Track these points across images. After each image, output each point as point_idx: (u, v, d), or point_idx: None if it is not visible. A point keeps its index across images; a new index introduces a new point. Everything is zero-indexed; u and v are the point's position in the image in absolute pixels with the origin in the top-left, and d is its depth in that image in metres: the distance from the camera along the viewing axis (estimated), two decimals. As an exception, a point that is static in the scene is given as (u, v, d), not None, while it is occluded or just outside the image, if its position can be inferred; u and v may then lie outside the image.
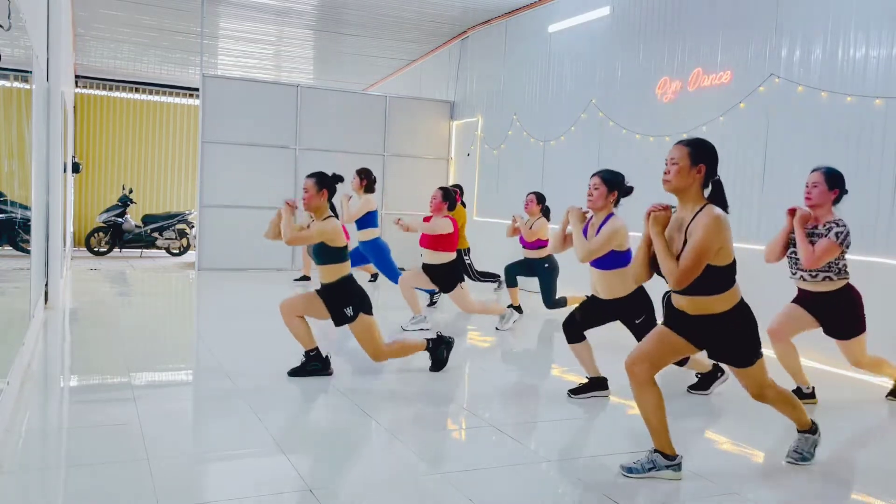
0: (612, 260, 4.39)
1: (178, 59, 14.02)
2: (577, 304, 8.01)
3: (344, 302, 4.80)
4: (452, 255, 6.64)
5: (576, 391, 4.65)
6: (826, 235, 4.26)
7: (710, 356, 3.40)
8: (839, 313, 4.41)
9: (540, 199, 7.59)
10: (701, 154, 3.16)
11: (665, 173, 3.20)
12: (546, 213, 7.60)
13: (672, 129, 7.52)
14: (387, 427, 3.92)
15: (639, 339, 4.60)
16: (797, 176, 6.27)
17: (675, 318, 3.31)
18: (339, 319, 4.84)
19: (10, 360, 3.98)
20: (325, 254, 4.82)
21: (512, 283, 7.82)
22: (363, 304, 4.85)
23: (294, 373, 4.88)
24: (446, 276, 6.60)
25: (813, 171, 4.45)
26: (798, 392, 4.65)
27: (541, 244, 7.49)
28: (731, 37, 6.96)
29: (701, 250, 3.03)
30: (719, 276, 3.13)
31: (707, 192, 3.21)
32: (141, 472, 3.10)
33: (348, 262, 4.90)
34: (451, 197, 6.75)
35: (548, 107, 9.71)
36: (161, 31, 12.01)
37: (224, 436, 3.68)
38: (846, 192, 4.42)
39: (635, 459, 3.39)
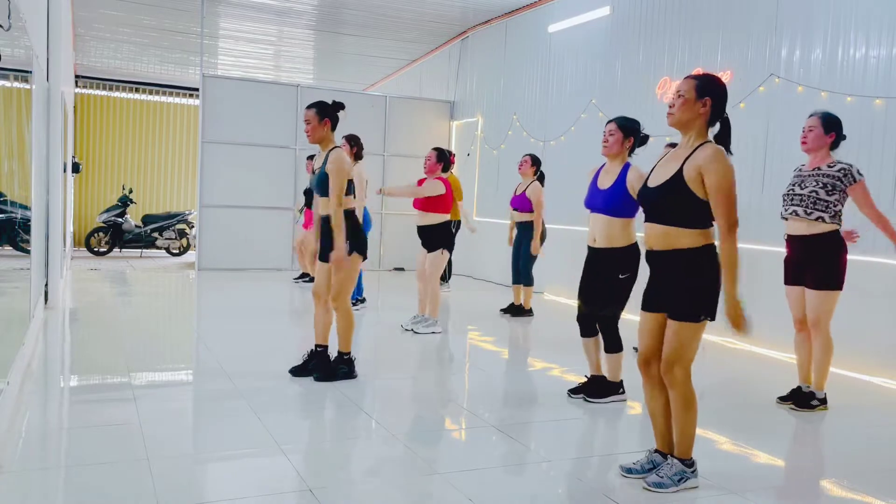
0: (623, 207, 4.32)
1: (178, 59, 14.02)
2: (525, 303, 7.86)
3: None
4: (446, 217, 6.50)
5: (586, 392, 4.61)
6: (843, 179, 4.30)
7: (647, 306, 3.24)
8: (822, 258, 4.39)
9: (535, 161, 7.51)
10: (708, 88, 3.11)
11: (670, 106, 3.16)
12: (541, 178, 7.50)
13: (672, 129, 7.50)
14: (387, 427, 3.92)
15: (609, 299, 4.50)
16: (797, 176, 6.28)
17: (648, 291, 3.26)
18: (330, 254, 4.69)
19: (10, 360, 3.98)
20: (328, 185, 4.66)
21: (516, 281, 7.75)
22: (359, 244, 4.72)
23: (319, 377, 4.75)
24: (435, 235, 6.47)
25: (810, 115, 4.47)
26: (797, 391, 4.64)
27: (531, 207, 7.40)
28: (731, 37, 6.96)
29: (728, 187, 2.99)
30: (701, 210, 3.06)
31: (713, 132, 3.15)
32: (141, 472, 3.10)
33: (352, 198, 4.75)
34: (445, 158, 6.59)
35: (548, 107, 9.71)
36: (161, 31, 12.02)
37: (224, 436, 3.68)
38: (844, 136, 4.43)
39: (634, 460, 3.39)
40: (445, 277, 9.61)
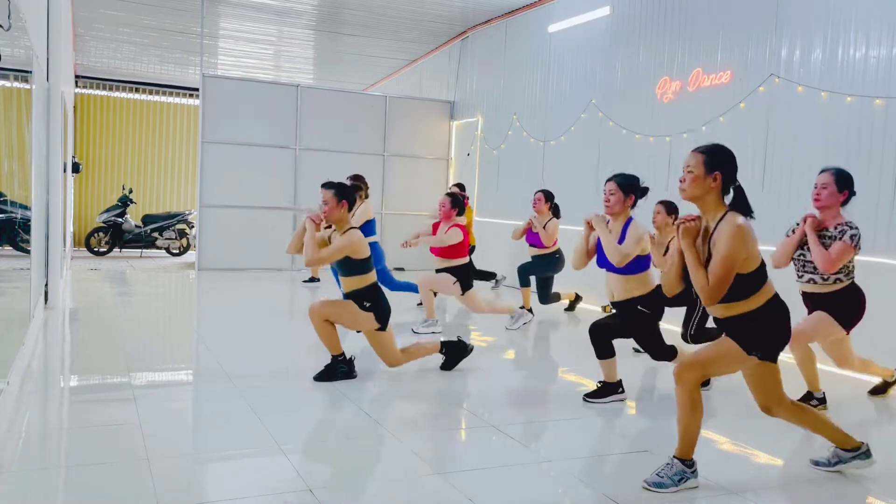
0: (634, 265, 4.39)
1: (178, 59, 14.02)
2: (569, 298, 7.92)
3: (364, 302, 4.73)
4: (465, 260, 6.63)
5: (592, 395, 4.60)
6: (839, 238, 4.23)
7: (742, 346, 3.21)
8: (843, 306, 4.38)
9: (548, 196, 7.39)
10: (717, 161, 3.11)
11: (681, 181, 3.16)
12: (556, 211, 7.41)
13: (672, 129, 7.52)
14: (387, 427, 3.92)
15: (640, 342, 4.60)
16: (797, 176, 6.28)
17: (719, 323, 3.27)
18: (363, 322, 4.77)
19: (10, 360, 3.98)
20: (349, 266, 4.72)
21: (525, 283, 7.73)
22: (382, 316, 4.76)
23: (321, 377, 4.76)
24: (458, 280, 6.58)
25: (822, 171, 4.39)
26: (808, 397, 4.64)
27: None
28: (731, 37, 6.96)
29: (729, 262, 2.98)
30: (748, 282, 3.07)
31: (728, 198, 3.14)
32: (141, 472, 3.10)
33: (374, 272, 4.81)
34: (459, 203, 6.73)
35: (548, 107, 9.71)
36: (161, 31, 12.02)
37: (224, 436, 3.68)
38: (854, 193, 4.37)
39: (658, 472, 3.24)
40: (491, 276, 9.55)
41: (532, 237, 7.50)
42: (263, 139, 10.95)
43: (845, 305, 4.39)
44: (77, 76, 15.02)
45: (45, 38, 6.60)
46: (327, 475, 3.26)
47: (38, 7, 5.83)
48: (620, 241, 4.38)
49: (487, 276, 9.52)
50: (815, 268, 4.36)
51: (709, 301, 3.05)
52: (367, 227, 7.63)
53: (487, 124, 11.21)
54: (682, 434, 3.20)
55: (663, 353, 4.61)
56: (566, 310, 8.11)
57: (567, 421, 4.23)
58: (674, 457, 3.23)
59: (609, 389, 4.59)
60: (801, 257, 4.43)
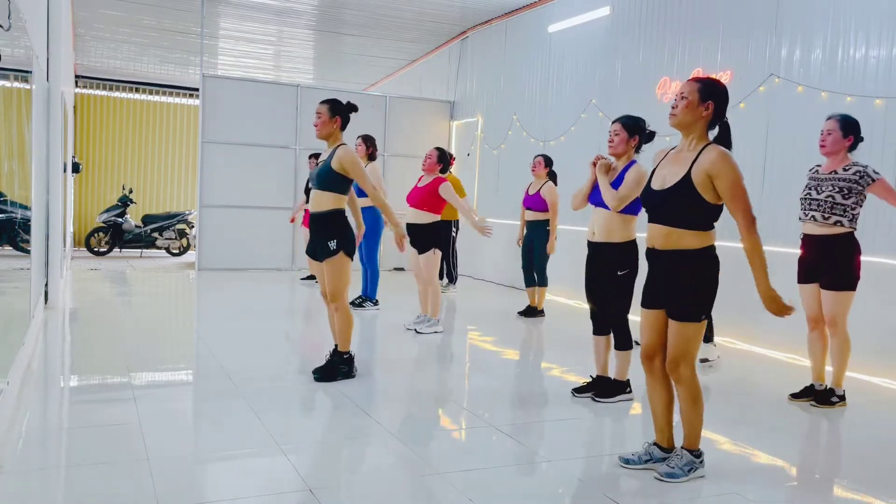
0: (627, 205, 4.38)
1: (178, 59, 14.02)
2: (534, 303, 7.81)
3: (330, 234, 4.67)
4: (436, 217, 6.48)
5: (594, 392, 4.60)
6: (860, 181, 4.34)
7: (647, 303, 3.30)
8: (838, 259, 4.42)
9: (547, 161, 7.47)
10: (711, 91, 3.17)
11: (673, 107, 3.22)
12: (553, 177, 7.48)
13: (672, 129, 7.50)
14: (387, 427, 3.92)
15: (612, 296, 4.51)
16: (797, 176, 6.27)
17: (647, 288, 3.31)
18: (322, 253, 4.70)
19: (10, 360, 3.98)
20: (329, 179, 4.67)
21: (531, 283, 7.70)
22: (347, 244, 4.71)
23: (322, 378, 4.73)
24: (425, 237, 6.45)
25: (828, 118, 4.52)
26: (810, 389, 4.66)
27: (545, 206, 7.38)
28: (731, 37, 6.96)
29: (741, 188, 3.05)
30: (704, 212, 3.11)
31: (713, 133, 3.21)
32: (141, 472, 3.10)
33: (346, 198, 4.77)
34: (446, 160, 6.61)
35: (548, 107, 9.71)
36: (161, 31, 12.01)
37: (224, 436, 3.68)
38: (861, 138, 4.48)
39: (633, 451, 3.47)
40: (452, 278, 9.61)
41: (529, 201, 7.48)
42: (263, 139, 10.95)
43: (838, 256, 4.41)
44: (77, 76, 15.02)
45: (45, 38, 6.60)
46: (327, 475, 3.26)
47: (38, 7, 5.83)
48: (618, 181, 4.38)
49: (450, 273, 9.50)
50: (818, 205, 4.44)
51: (749, 228, 3.05)
52: None
53: (487, 124, 11.21)
54: (688, 427, 3.27)
55: (625, 322, 4.55)
56: (520, 312, 7.78)
57: (568, 420, 4.23)
58: (682, 448, 3.30)
59: (617, 388, 4.59)
60: (808, 196, 4.52)
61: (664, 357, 3.28)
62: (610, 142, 4.48)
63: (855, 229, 4.43)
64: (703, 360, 5.52)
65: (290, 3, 10.48)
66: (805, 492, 3.35)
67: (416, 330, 6.53)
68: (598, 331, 4.67)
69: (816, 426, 4.39)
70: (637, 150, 4.50)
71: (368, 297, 7.78)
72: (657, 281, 3.27)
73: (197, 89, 11.74)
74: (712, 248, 3.15)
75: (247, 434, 3.68)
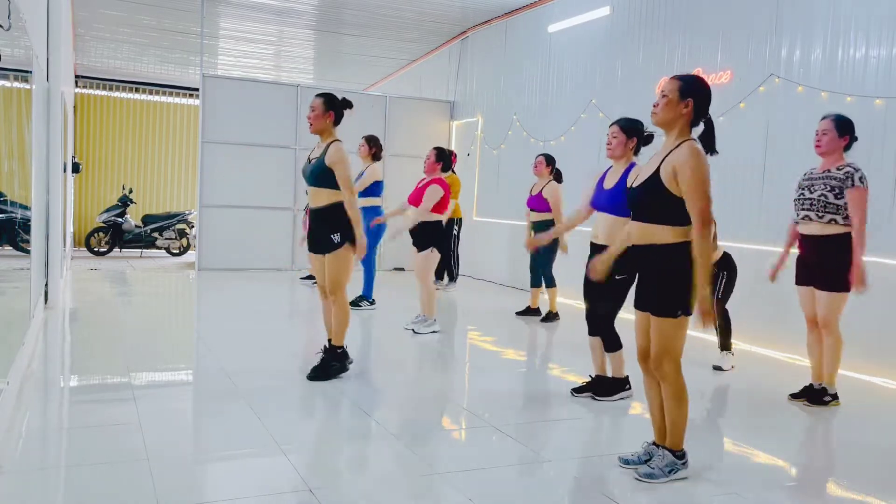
0: (626, 206, 4.35)
1: (178, 59, 14.02)
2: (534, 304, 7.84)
3: (333, 228, 4.66)
4: (438, 217, 6.45)
5: (593, 391, 4.60)
6: (844, 181, 4.33)
7: (636, 303, 3.30)
8: (832, 260, 4.42)
9: (549, 160, 7.37)
10: (691, 89, 3.17)
11: (654, 105, 3.24)
12: (558, 176, 7.37)
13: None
14: (387, 427, 3.92)
15: (605, 298, 4.48)
16: (797, 176, 6.26)
17: (638, 290, 3.33)
18: (325, 246, 4.68)
19: (10, 360, 3.98)
20: (324, 176, 4.64)
21: (535, 283, 7.69)
22: (351, 235, 4.68)
23: (316, 377, 4.73)
24: (425, 234, 6.43)
25: (823, 118, 4.51)
26: (809, 388, 4.66)
27: (547, 206, 7.30)
28: (731, 37, 6.95)
29: (700, 183, 3.02)
30: (673, 207, 3.09)
31: (697, 131, 3.20)
32: (141, 472, 3.10)
33: (348, 191, 4.72)
34: (445, 158, 6.58)
35: (548, 107, 9.71)
36: (161, 31, 12.01)
37: (224, 436, 3.68)
38: (856, 138, 4.49)
39: (633, 452, 3.46)
40: (453, 277, 9.60)
41: (533, 201, 7.46)
42: (263, 139, 10.95)
43: (833, 257, 4.41)
44: (77, 76, 15.02)
45: (45, 38, 6.60)
46: (327, 475, 3.26)
47: (38, 7, 5.83)
48: (620, 183, 4.36)
49: (451, 272, 9.48)
50: (811, 204, 4.45)
51: (705, 224, 3.02)
52: (375, 188, 7.69)
53: (487, 124, 11.21)
54: (670, 427, 3.25)
55: (611, 325, 4.54)
56: (518, 313, 7.80)
57: (567, 420, 4.23)
58: (664, 448, 3.27)
59: (616, 386, 4.59)
60: (801, 197, 4.52)
61: None
62: (608, 144, 4.48)
63: (850, 229, 4.41)
64: (716, 368, 5.51)
65: (290, 3, 10.48)
66: (805, 492, 3.35)
67: (413, 330, 6.54)
68: (592, 332, 4.66)
69: (815, 426, 4.39)
70: (636, 152, 4.50)
71: (364, 296, 7.78)
72: (641, 280, 3.30)
73: (197, 89, 11.74)
74: (687, 243, 3.11)
75: (247, 434, 3.68)
